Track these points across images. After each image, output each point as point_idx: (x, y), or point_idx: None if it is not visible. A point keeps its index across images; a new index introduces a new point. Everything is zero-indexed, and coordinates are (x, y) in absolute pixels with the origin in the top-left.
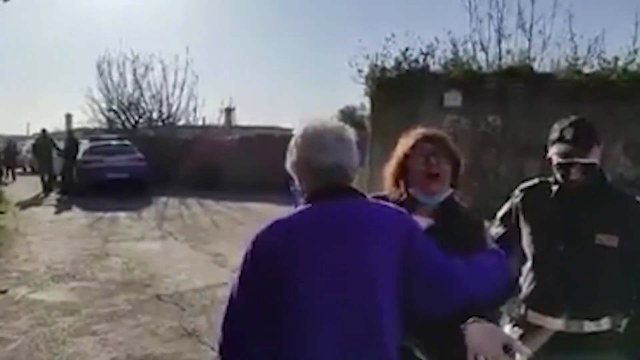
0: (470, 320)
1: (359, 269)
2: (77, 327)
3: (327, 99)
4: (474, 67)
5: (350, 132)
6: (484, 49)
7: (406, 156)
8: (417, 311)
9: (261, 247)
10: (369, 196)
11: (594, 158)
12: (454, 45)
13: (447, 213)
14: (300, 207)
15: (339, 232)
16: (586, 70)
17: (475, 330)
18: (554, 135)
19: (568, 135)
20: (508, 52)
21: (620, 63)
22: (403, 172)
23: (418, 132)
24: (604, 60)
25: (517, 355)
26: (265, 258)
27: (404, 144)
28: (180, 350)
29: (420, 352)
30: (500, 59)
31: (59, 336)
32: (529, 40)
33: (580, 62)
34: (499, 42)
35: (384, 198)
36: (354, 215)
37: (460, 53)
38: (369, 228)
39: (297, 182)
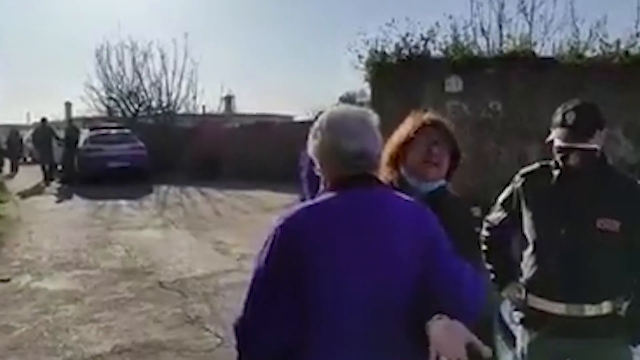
0: (435, 317)
1: (387, 258)
2: (80, 314)
3: (327, 86)
4: (475, 52)
5: (374, 118)
6: (484, 33)
7: (410, 139)
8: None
9: (288, 232)
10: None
11: (595, 143)
12: (455, 30)
13: (436, 203)
14: (328, 194)
15: (366, 221)
16: (588, 54)
17: (437, 328)
18: (557, 118)
19: (570, 119)
20: (509, 36)
21: (622, 46)
22: (403, 153)
23: (425, 116)
24: (606, 44)
25: (518, 336)
26: (291, 243)
27: (410, 125)
28: (183, 337)
29: None
30: (501, 44)
31: (62, 324)
32: (530, 24)
33: (581, 46)
34: (500, 26)
35: None
36: (380, 205)
37: (461, 38)
38: (395, 220)
39: (318, 166)
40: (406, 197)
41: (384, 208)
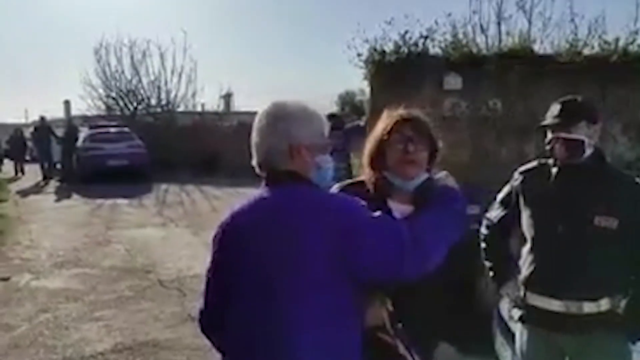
0: None
1: (279, 257)
2: (81, 313)
3: (327, 84)
4: (474, 49)
5: (291, 111)
6: (483, 31)
7: (384, 139)
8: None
9: (216, 230)
10: (342, 183)
11: (580, 134)
12: (454, 28)
13: (424, 198)
14: (250, 196)
15: (267, 218)
16: (587, 51)
17: None
18: (547, 114)
19: (555, 111)
20: (508, 34)
21: (620, 44)
22: (380, 154)
23: (397, 114)
24: (605, 42)
25: (517, 333)
26: (214, 240)
27: (383, 125)
28: (183, 335)
29: (405, 350)
30: (500, 41)
31: (63, 322)
32: (529, 22)
33: (580, 43)
34: (499, 24)
35: (361, 183)
36: (286, 201)
37: (460, 36)
38: (298, 215)
39: None
40: (316, 192)
41: (288, 204)
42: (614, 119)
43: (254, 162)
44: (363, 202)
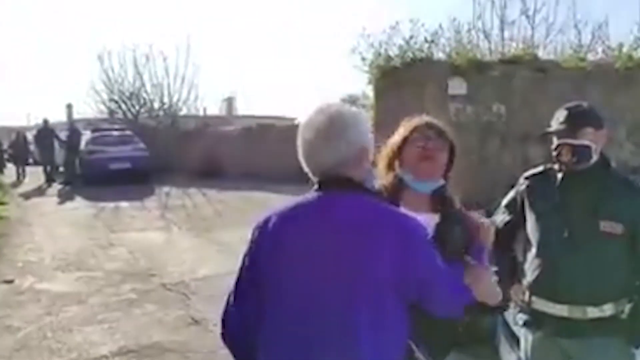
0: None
1: (332, 268)
2: (84, 316)
3: (330, 88)
4: (478, 55)
5: (344, 114)
6: (486, 37)
7: (405, 139)
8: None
9: (255, 229)
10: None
11: (587, 140)
12: (458, 33)
13: (443, 208)
14: (296, 199)
15: (318, 228)
16: (590, 57)
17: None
18: (553, 119)
19: (561, 117)
20: (511, 39)
21: (624, 49)
22: (398, 156)
23: (420, 118)
24: (609, 47)
25: (522, 338)
26: (255, 236)
27: (404, 128)
28: (188, 339)
29: (420, 353)
30: (503, 46)
31: (67, 325)
32: (532, 27)
33: (584, 49)
34: (502, 29)
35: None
36: (331, 206)
37: (464, 41)
38: (356, 225)
39: None
40: (378, 202)
41: (344, 213)
42: (619, 125)
43: (309, 168)
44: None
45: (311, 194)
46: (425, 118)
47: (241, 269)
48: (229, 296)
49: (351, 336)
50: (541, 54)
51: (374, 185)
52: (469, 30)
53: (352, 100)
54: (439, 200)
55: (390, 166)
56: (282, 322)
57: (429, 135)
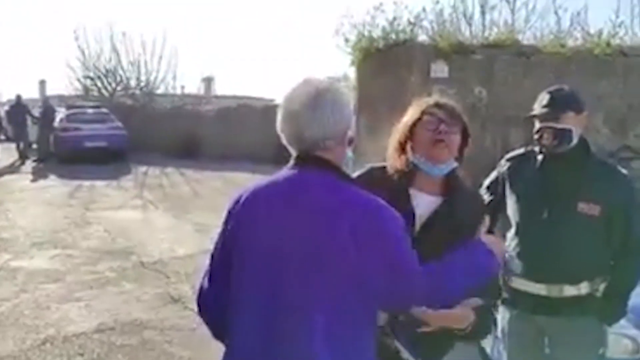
0: None
1: (293, 244)
2: (61, 293)
3: (310, 70)
4: (460, 38)
5: (333, 92)
6: (467, 21)
7: (415, 122)
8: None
9: (229, 208)
10: (365, 167)
11: (568, 124)
12: (441, 16)
13: (451, 190)
14: (270, 177)
15: (285, 207)
16: (570, 43)
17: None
18: (535, 104)
19: (544, 101)
20: (492, 24)
21: (604, 36)
22: (410, 138)
23: (430, 98)
24: (588, 34)
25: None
26: (227, 218)
27: (414, 109)
28: (166, 316)
29: (407, 353)
30: (484, 31)
31: (43, 302)
32: (512, 12)
33: (564, 35)
34: (483, 13)
35: (384, 169)
36: (305, 191)
37: (447, 24)
38: (318, 208)
39: None
40: (349, 187)
41: (308, 190)
42: (596, 111)
43: (288, 142)
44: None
45: (286, 172)
46: (435, 97)
47: (214, 248)
48: (203, 276)
49: (306, 337)
50: (521, 38)
51: (350, 170)
52: (451, 14)
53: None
54: (450, 182)
55: (402, 149)
56: (244, 306)
57: (440, 116)
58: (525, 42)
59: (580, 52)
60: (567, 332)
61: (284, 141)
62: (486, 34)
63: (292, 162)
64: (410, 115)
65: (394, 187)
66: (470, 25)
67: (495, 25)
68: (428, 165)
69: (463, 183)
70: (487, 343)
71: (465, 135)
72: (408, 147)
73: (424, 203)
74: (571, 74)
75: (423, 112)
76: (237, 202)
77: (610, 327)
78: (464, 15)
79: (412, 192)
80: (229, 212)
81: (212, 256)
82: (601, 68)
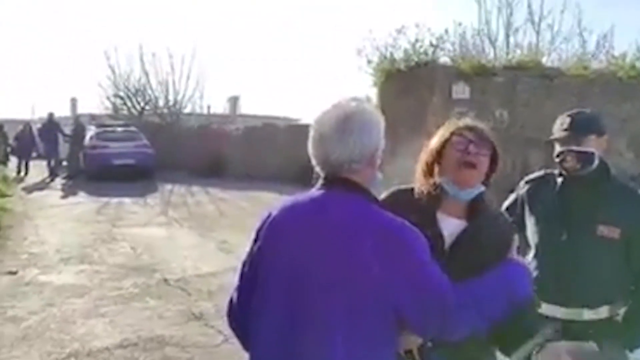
0: None
1: (316, 263)
2: (87, 308)
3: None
4: (483, 60)
5: (362, 114)
6: (492, 42)
7: (444, 143)
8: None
9: (258, 226)
10: (391, 189)
11: (590, 147)
12: (463, 38)
13: (477, 213)
14: (298, 196)
15: (310, 226)
16: (594, 65)
17: None
18: (555, 126)
19: (565, 124)
20: (516, 45)
21: (628, 59)
22: (437, 160)
23: (461, 121)
24: (613, 56)
25: None
26: (256, 236)
27: (443, 130)
28: (187, 333)
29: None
30: (508, 53)
31: (69, 317)
32: (538, 33)
33: (588, 57)
34: (507, 35)
35: (410, 191)
36: (330, 207)
37: (470, 46)
38: (343, 230)
39: None
40: (375, 208)
41: (334, 213)
42: (619, 134)
43: (316, 164)
44: (424, 238)
45: (313, 192)
46: (466, 120)
47: (243, 264)
48: (234, 290)
49: (326, 353)
50: (545, 60)
51: (378, 192)
52: (474, 36)
53: None
54: (476, 206)
55: (429, 171)
56: (266, 321)
57: (469, 138)
58: (549, 64)
59: (604, 75)
60: (589, 357)
61: (314, 163)
62: (509, 56)
63: (320, 183)
64: (439, 136)
65: (421, 210)
66: (494, 47)
67: (519, 47)
68: (455, 189)
69: (488, 207)
70: None
71: (494, 158)
72: (435, 170)
73: (450, 226)
74: (594, 96)
75: (452, 133)
76: (265, 220)
77: (631, 353)
78: (488, 38)
79: (439, 215)
80: (258, 230)
81: (242, 271)
82: (625, 91)
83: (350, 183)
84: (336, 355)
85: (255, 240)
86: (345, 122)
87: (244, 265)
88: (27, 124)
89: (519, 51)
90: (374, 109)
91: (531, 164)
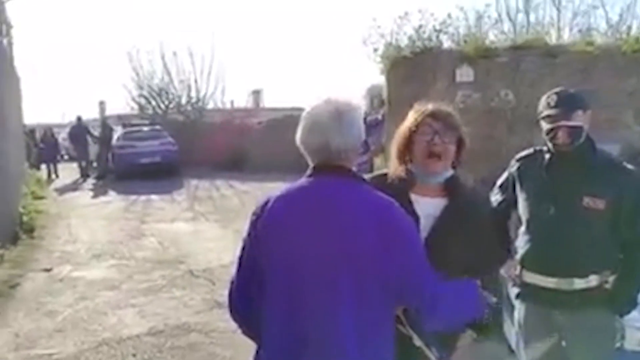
0: None
1: (321, 251)
2: (117, 300)
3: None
4: (487, 42)
5: (351, 113)
6: (511, 19)
7: (412, 132)
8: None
9: (252, 215)
10: (368, 177)
11: (578, 122)
12: (466, 21)
13: (453, 191)
14: (301, 179)
15: (312, 211)
16: (599, 40)
17: None
18: (541, 105)
19: (552, 102)
20: (537, 23)
21: (633, 32)
22: (408, 147)
23: (425, 108)
24: (617, 30)
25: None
26: (253, 222)
27: (411, 118)
28: (211, 320)
29: (419, 340)
30: (515, 33)
31: (101, 308)
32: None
33: (592, 33)
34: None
35: (384, 175)
36: (331, 196)
37: (473, 29)
38: (345, 211)
39: None
40: (369, 190)
41: (335, 199)
42: (626, 108)
43: (311, 152)
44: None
45: (308, 179)
46: (431, 107)
47: (241, 253)
48: (231, 280)
49: (334, 336)
50: (549, 39)
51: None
52: (478, 18)
53: (378, 89)
54: (450, 186)
55: (401, 156)
56: (275, 306)
57: (434, 128)
58: (552, 42)
59: (609, 50)
60: (581, 324)
61: (304, 151)
62: (516, 36)
63: (310, 170)
64: (408, 122)
65: (395, 193)
66: (514, 25)
67: (539, 23)
68: (422, 176)
69: (464, 183)
70: (511, 338)
71: (461, 141)
72: (406, 155)
73: (426, 206)
74: (599, 72)
75: (419, 124)
76: (263, 207)
77: (621, 317)
78: (508, 15)
79: (413, 196)
80: (256, 217)
81: (240, 260)
82: (630, 65)
83: (344, 169)
84: (344, 337)
85: (253, 227)
86: (341, 114)
87: (242, 252)
88: (48, 129)
89: (524, 31)
90: (358, 106)
91: (537, 143)
